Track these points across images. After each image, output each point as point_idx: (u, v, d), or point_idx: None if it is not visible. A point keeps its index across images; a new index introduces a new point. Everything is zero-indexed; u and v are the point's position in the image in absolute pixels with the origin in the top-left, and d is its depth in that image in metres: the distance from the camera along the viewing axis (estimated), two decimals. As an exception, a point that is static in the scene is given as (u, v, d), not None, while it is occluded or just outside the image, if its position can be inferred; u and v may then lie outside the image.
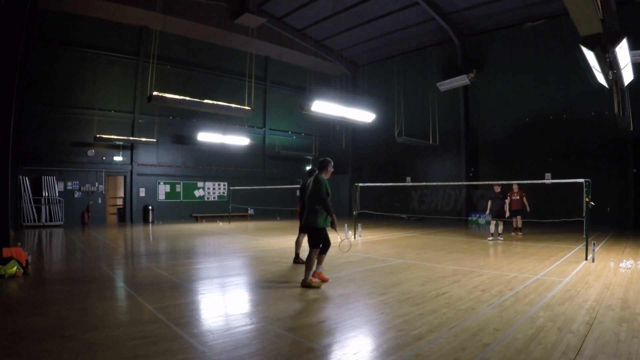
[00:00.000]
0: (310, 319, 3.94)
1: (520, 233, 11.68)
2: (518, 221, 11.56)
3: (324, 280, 5.50)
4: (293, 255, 7.39)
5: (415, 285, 5.36)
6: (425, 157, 19.59)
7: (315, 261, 5.45)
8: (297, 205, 7.30)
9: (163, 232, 13.21)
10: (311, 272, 5.34)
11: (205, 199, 19.27)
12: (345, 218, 18.09)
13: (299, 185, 22.06)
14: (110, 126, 16.24)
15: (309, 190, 5.51)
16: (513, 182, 11.50)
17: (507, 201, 10.79)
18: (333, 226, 5.38)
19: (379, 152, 21.62)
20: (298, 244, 7.29)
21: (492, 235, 10.67)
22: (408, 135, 16.63)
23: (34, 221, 14.43)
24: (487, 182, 15.18)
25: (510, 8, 15.72)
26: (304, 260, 6.92)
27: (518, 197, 11.35)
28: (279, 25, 19.13)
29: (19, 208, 13.99)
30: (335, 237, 11.00)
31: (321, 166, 5.54)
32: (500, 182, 10.97)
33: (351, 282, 5.62)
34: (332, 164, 5.66)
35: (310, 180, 5.57)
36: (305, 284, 5.23)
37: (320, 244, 5.40)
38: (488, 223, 11.44)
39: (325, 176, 5.50)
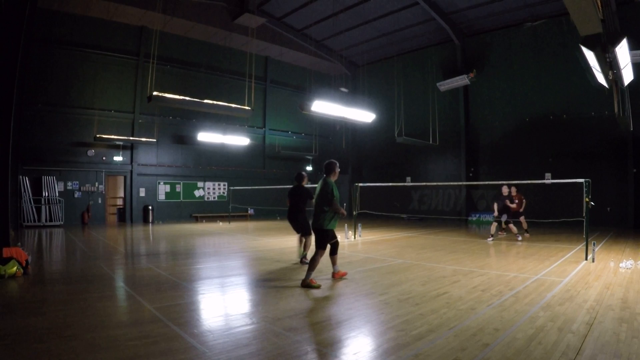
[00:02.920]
0: (311, 319, 3.94)
1: (527, 234, 11.46)
2: (523, 223, 11.46)
3: (343, 275, 5.79)
4: (293, 255, 7.37)
5: (415, 285, 5.36)
6: (425, 157, 19.59)
7: (319, 263, 5.50)
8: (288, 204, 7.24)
9: (163, 232, 13.21)
10: (312, 273, 5.37)
11: (205, 199, 19.26)
12: (345, 218, 18.05)
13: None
14: (110, 126, 16.24)
15: (316, 193, 5.63)
16: (504, 182, 11.44)
17: (512, 204, 10.59)
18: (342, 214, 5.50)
19: (379, 152, 21.62)
20: (302, 243, 7.21)
21: (492, 235, 10.66)
22: (408, 135, 16.63)
23: (34, 221, 14.43)
24: (487, 182, 15.24)
25: (510, 8, 15.72)
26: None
27: (517, 200, 11.27)
28: (279, 25, 19.13)
29: (19, 208, 13.98)
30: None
31: (329, 169, 5.62)
32: (509, 183, 10.93)
33: (351, 282, 5.62)
34: (338, 165, 5.75)
35: (319, 183, 5.65)
36: (306, 284, 5.24)
37: (326, 246, 5.52)
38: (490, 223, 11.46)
39: (333, 178, 5.60)
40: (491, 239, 10.54)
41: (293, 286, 5.34)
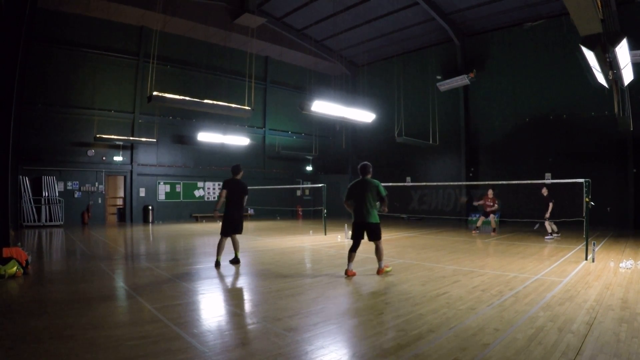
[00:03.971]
0: (310, 319, 3.94)
1: (494, 232, 12.28)
2: (492, 222, 12.24)
3: (353, 275, 5.99)
4: (294, 255, 7.33)
5: (415, 285, 5.36)
6: (425, 157, 19.58)
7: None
8: (217, 205, 6.88)
9: (163, 232, 13.21)
10: (383, 261, 6.05)
11: (205, 199, 19.26)
12: (344, 218, 18.07)
13: (299, 186, 21.70)
14: (110, 126, 16.24)
15: (363, 191, 5.86)
16: (489, 184, 12.55)
17: (552, 204, 11.03)
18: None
19: (379, 152, 21.60)
20: (221, 248, 6.96)
21: (551, 234, 11.05)
22: (408, 135, 16.62)
23: (34, 221, 14.43)
24: (487, 182, 15.23)
25: (510, 8, 15.72)
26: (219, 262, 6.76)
27: (492, 203, 12.10)
28: (279, 25, 19.13)
29: (19, 208, 13.98)
30: (335, 237, 10.96)
31: (367, 170, 6.06)
32: (546, 183, 11.38)
33: (351, 282, 5.62)
34: None
35: (357, 182, 5.99)
36: (382, 272, 5.96)
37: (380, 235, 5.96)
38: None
39: (369, 177, 6.06)
40: (551, 237, 10.90)
41: (293, 286, 5.34)
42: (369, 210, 5.81)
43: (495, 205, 12.12)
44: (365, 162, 6.12)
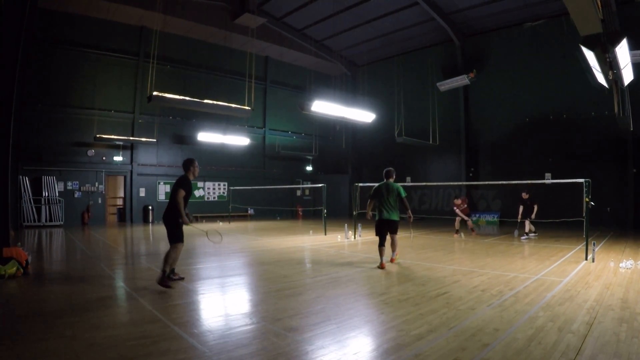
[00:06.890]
0: (310, 319, 3.94)
1: (474, 232, 12.55)
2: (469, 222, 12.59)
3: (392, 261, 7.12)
4: (294, 254, 7.30)
5: (415, 285, 5.36)
6: (425, 157, 19.59)
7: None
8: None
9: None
10: (396, 252, 7.14)
11: (205, 199, 19.27)
12: (345, 218, 18.08)
13: (299, 186, 21.78)
14: (110, 126, 16.24)
15: (386, 193, 6.84)
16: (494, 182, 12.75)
17: (536, 207, 11.05)
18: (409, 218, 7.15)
19: (379, 152, 21.61)
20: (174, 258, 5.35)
21: (527, 234, 11.15)
22: (408, 135, 16.64)
23: (34, 221, 14.43)
24: (487, 182, 15.24)
25: (510, 8, 15.73)
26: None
27: (462, 204, 12.36)
28: (279, 25, 19.13)
29: (19, 208, 13.98)
30: (335, 237, 10.97)
31: (390, 175, 7.03)
32: (527, 185, 11.32)
33: (351, 282, 5.62)
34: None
35: (382, 185, 6.93)
36: (393, 260, 7.07)
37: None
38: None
39: (392, 180, 6.99)
40: (525, 237, 11.07)
41: (293, 286, 5.34)
42: (390, 210, 6.80)
43: (465, 205, 12.36)
44: (389, 168, 7.04)
